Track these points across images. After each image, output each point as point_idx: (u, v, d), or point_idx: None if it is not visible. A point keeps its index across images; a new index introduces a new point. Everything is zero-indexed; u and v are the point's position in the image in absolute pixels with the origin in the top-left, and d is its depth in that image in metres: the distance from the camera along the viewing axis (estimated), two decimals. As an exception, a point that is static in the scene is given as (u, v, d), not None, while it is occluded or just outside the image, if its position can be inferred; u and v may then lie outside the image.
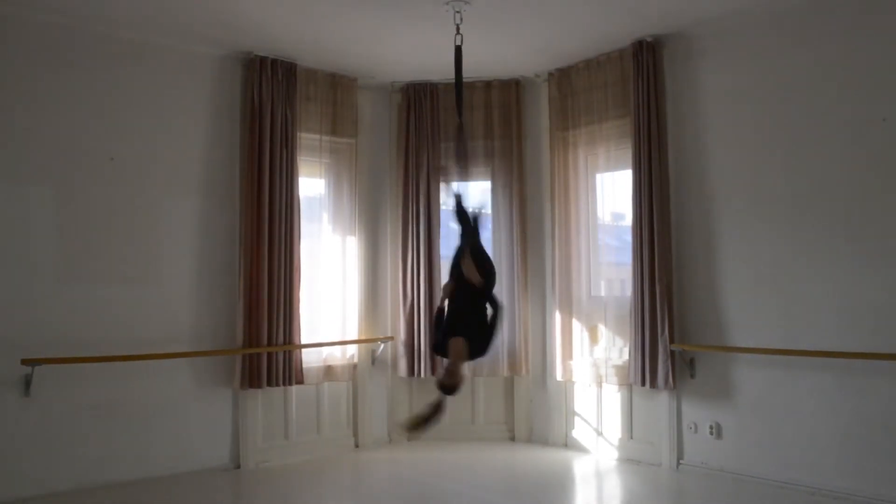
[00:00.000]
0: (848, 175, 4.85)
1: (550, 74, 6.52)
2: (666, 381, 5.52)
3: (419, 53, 6.08)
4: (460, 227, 4.86)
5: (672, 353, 5.51)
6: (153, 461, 5.48)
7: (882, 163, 4.70)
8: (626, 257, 5.90)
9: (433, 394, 6.77)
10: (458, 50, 4.74)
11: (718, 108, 5.52)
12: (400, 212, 6.77)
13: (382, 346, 6.73)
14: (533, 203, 6.74)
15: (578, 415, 6.37)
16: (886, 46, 4.71)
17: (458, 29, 4.75)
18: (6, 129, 5.06)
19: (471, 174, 6.77)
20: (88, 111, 5.38)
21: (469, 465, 5.96)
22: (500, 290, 6.60)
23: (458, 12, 4.83)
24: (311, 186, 6.56)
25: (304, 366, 6.12)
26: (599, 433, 6.18)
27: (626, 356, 5.89)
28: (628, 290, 5.87)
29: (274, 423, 6.08)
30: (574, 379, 6.32)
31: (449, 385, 4.34)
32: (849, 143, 4.85)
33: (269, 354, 5.85)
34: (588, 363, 6.18)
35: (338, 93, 6.52)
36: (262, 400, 5.98)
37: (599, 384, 6.14)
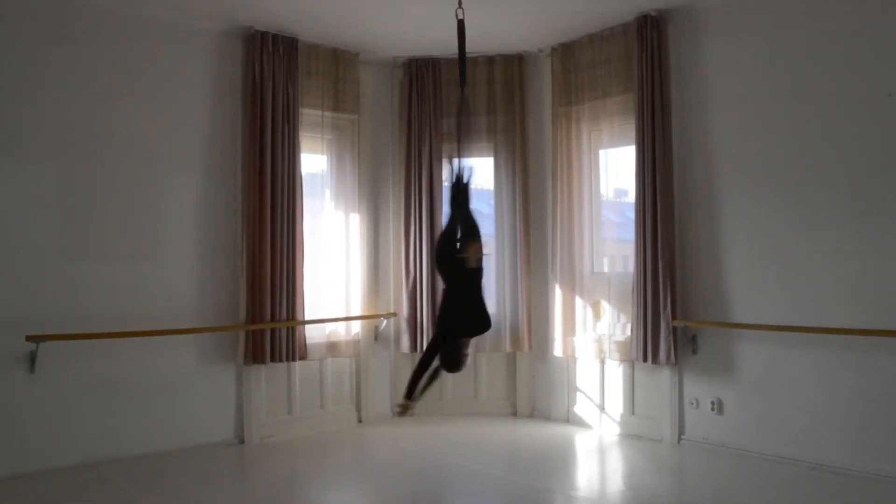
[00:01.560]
0: (852, 151, 4.83)
1: (553, 49, 6.47)
2: (668, 357, 5.53)
3: (421, 28, 6.03)
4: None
5: (674, 329, 5.53)
6: (157, 436, 5.53)
7: (887, 138, 4.67)
8: (629, 233, 5.89)
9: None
10: (461, 24, 4.69)
11: (722, 82, 5.48)
12: (402, 187, 6.75)
13: (385, 322, 6.75)
14: (535, 179, 6.72)
15: (580, 390, 6.40)
16: (893, 21, 4.66)
17: (459, 3, 4.70)
18: (6, 107, 5.04)
19: (469, 148, 6.67)
20: (89, 88, 5.35)
21: (472, 440, 6.00)
22: (503, 267, 6.64)
23: (460, -14, 4.77)
24: (314, 162, 6.54)
25: (308, 341, 6.15)
26: (601, 409, 6.21)
27: (628, 332, 5.90)
28: (631, 267, 5.87)
29: (278, 398, 6.11)
30: (576, 355, 6.33)
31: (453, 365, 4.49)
32: (854, 118, 4.82)
33: (273, 330, 5.87)
34: (590, 339, 6.20)
35: (339, 68, 6.47)
36: (265, 375, 6.01)
37: (602, 360, 6.16)
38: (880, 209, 4.70)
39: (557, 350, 6.38)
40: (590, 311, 6.28)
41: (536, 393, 6.73)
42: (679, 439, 5.66)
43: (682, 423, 5.67)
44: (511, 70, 6.73)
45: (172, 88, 5.72)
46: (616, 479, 5.16)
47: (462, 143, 5.13)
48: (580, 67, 6.28)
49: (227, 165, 5.95)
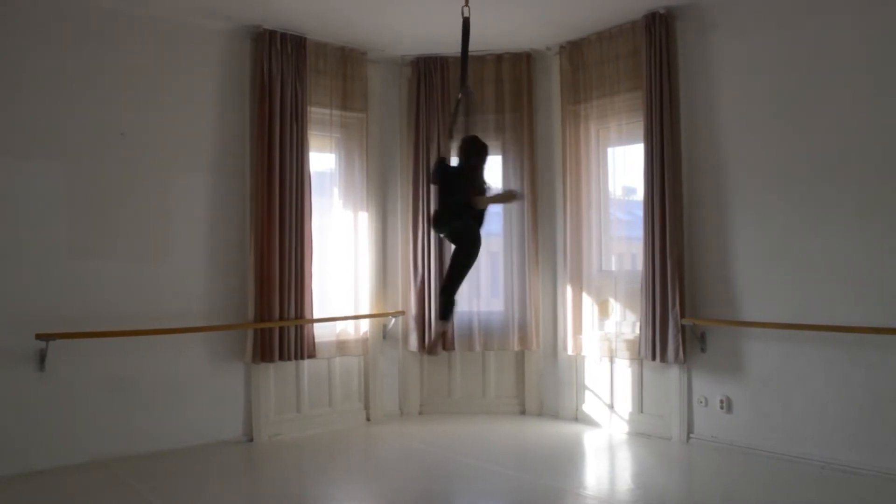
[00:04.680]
0: (863, 147, 4.80)
1: (562, 47, 6.46)
2: (676, 356, 5.52)
3: (429, 26, 6.03)
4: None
5: (683, 327, 5.51)
6: (167, 434, 5.55)
7: (897, 135, 4.66)
8: (637, 231, 5.88)
9: (443, 367, 6.82)
10: (466, 21, 4.70)
11: (731, 80, 5.46)
12: (411, 186, 6.75)
13: (393, 320, 6.76)
14: (544, 177, 6.71)
15: (589, 389, 6.38)
16: (903, 17, 4.64)
17: (467, 1, 4.70)
18: (16, 105, 5.06)
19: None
20: (97, 87, 5.37)
21: (480, 439, 5.99)
22: (511, 264, 6.64)
23: (467, -16, 4.77)
24: (322, 161, 6.55)
25: (317, 340, 6.16)
26: (610, 407, 6.19)
27: (636, 330, 5.89)
28: (639, 265, 5.86)
29: (286, 396, 6.12)
30: (584, 353, 6.33)
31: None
32: (863, 115, 4.80)
33: (281, 328, 5.88)
34: (599, 337, 6.19)
35: (347, 66, 6.48)
36: (274, 374, 6.02)
37: (610, 358, 6.15)
38: (891, 206, 4.67)
39: (569, 348, 6.37)
40: (598, 309, 6.27)
41: (545, 391, 6.72)
42: (688, 438, 5.65)
43: (691, 422, 5.65)
44: (519, 68, 6.72)
45: (181, 87, 5.74)
46: (625, 478, 5.15)
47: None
48: (588, 65, 6.27)
49: (235, 164, 5.96)
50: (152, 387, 5.51)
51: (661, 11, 5.65)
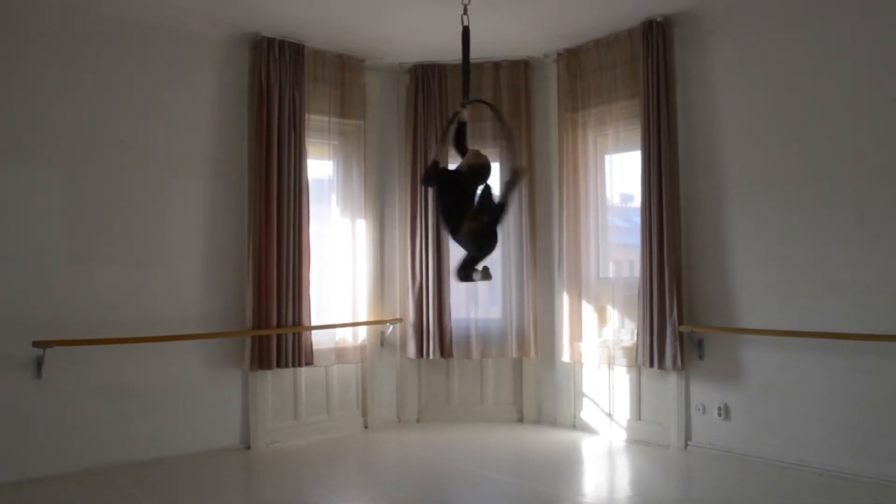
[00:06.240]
0: (860, 155, 4.81)
1: (559, 55, 6.48)
2: (674, 363, 5.52)
3: (427, 34, 6.04)
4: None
5: (680, 334, 5.51)
6: (164, 442, 5.53)
7: (894, 142, 4.65)
8: (635, 238, 5.88)
9: (441, 374, 6.82)
10: (466, 30, 4.70)
11: (728, 87, 5.48)
12: (409, 193, 6.75)
13: (391, 327, 6.75)
14: (541, 184, 6.71)
15: (587, 396, 6.38)
16: (899, 24, 4.65)
17: (465, 9, 4.71)
18: (14, 112, 5.07)
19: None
20: (96, 93, 5.38)
21: (478, 446, 5.99)
22: (509, 272, 6.64)
23: (465, -8, 4.78)
24: (320, 168, 6.55)
25: (315, 347, 6.14)
26: (608, 414, 6.19)
27: (634, 337, 5.88)
28: (637, 272, 5.86)
29: (284, 403, 6.11)
30: (582, 360, 6.32)
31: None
32: (862, 122, 4.81)
33: (279, 336, 5.88)
34: (596, 344, 6.18)
35: (346, 74, 6.49)
36: (271, 381, 6.01)
37: (608, 365, 6.15)
38: (889, 213, 4.68)
39: (567, 356, 6.36)
40: (596, 316, 6.27)
41: (543, 398, 6.71)
42: (686, 445, 5.64)
43: (689, 429, 5.65)
44: (517, 76, 6.73)
45: (179, 94, 5.74)
46: (623, 485, 5.15)
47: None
48: (586, 73, 6.28)
49: (233, 171, 5.96)
50: (150, 394, 5.50)
51: (659, 19, 5.67)
